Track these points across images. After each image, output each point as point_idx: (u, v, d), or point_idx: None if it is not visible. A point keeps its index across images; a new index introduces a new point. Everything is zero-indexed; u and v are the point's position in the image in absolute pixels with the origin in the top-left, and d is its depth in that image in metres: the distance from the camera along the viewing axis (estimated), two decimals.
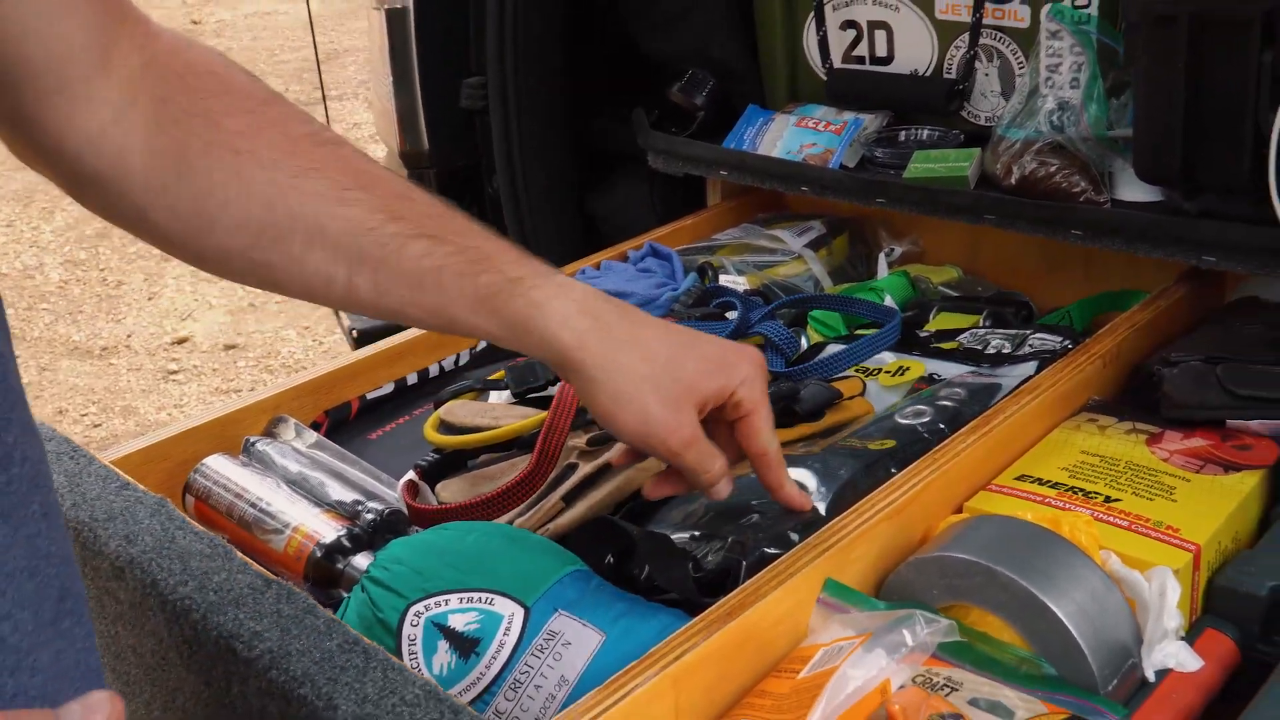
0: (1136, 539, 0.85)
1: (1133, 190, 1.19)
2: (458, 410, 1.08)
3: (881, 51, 1.43)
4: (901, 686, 0.70)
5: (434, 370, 1.28)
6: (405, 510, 1.00)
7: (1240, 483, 0.91)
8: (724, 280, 1.38)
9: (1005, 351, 1.15)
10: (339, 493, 1.02)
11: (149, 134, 0.68)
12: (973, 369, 1.12)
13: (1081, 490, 0.91)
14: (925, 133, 1.40)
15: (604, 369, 0.76)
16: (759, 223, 1.57)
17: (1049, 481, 0.93)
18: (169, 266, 3.99)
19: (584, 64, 1.67)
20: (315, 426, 1.17)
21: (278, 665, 0.71)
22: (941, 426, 0.98)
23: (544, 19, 1.58)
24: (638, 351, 0.77)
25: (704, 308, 1.27)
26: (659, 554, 0.86)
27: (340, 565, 0.94)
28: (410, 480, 1.03)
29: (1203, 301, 1.23)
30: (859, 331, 1.26)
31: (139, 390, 3.33)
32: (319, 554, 0.95)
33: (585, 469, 0.96)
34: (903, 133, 1.42)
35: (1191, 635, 0.80)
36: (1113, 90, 1.19)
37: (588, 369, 0.76)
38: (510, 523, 0.95)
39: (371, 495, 1.03)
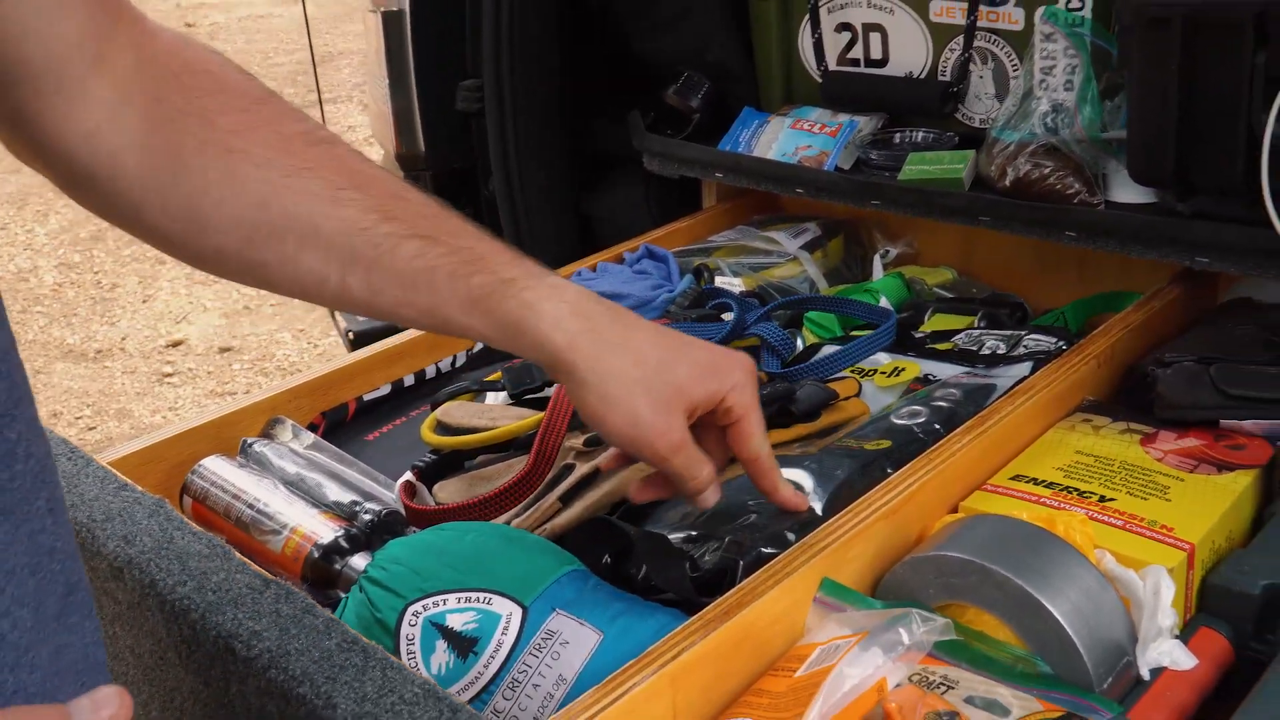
0: (1131, 538, 0.85)
1: (1126, 192, 1.20)
2: (455, 411, 1.08)
3: (876, 54, 1.44)
4: (898, 685, 0.70)
5: (431, 372, 1.28)
6: (402, 511, 1.00)
7: (1233, 482, 0.92)
8: (720, 282, 1.39)
9: (1000, 352, 1.15)
10: (336, 494, 1.02)
11: (143, 132, 0.68)
12: (968, 370, 1.12)
13: (1076, 490, 0.91)
14: (920, 135, 1.41)
15: (595, 371, 0.76)
16: (754, 225, 1.58)
17: (1044, 481, 0.93)
18: (163, 269, 3.99)
19: (580, 66, 1.67)
20: (312, 428, 1.17)
21: (277, 664, 0.71)
22: (937, 427, 0.99)
23: (540, 22, 1.59)
24: (629, 354, 0.77)
25: (700, 309, 1.27)
26: (656, 554, 0.86)
27: (338, 566, 0.94)
28: (407, 481, 1.03)
29: (1196, 302, 1.24)
30: (854, 333, 1.26)
31: (133, 393, 3.32)
32: (316, 555, 0.95)
33: (582, 469, 0.96)
34: (898, 135, 1.42)
35: (1186, 634, 0.80)
36: (1106, 92, 1.20)
37: (579, 371, 0.76)
38: (507, 523, 0.96)
39: (369, 496, 1.03)
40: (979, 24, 1.32)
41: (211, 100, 0.71)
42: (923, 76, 1.41)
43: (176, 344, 3.59)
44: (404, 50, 1.67)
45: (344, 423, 1.20)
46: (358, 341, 1.53)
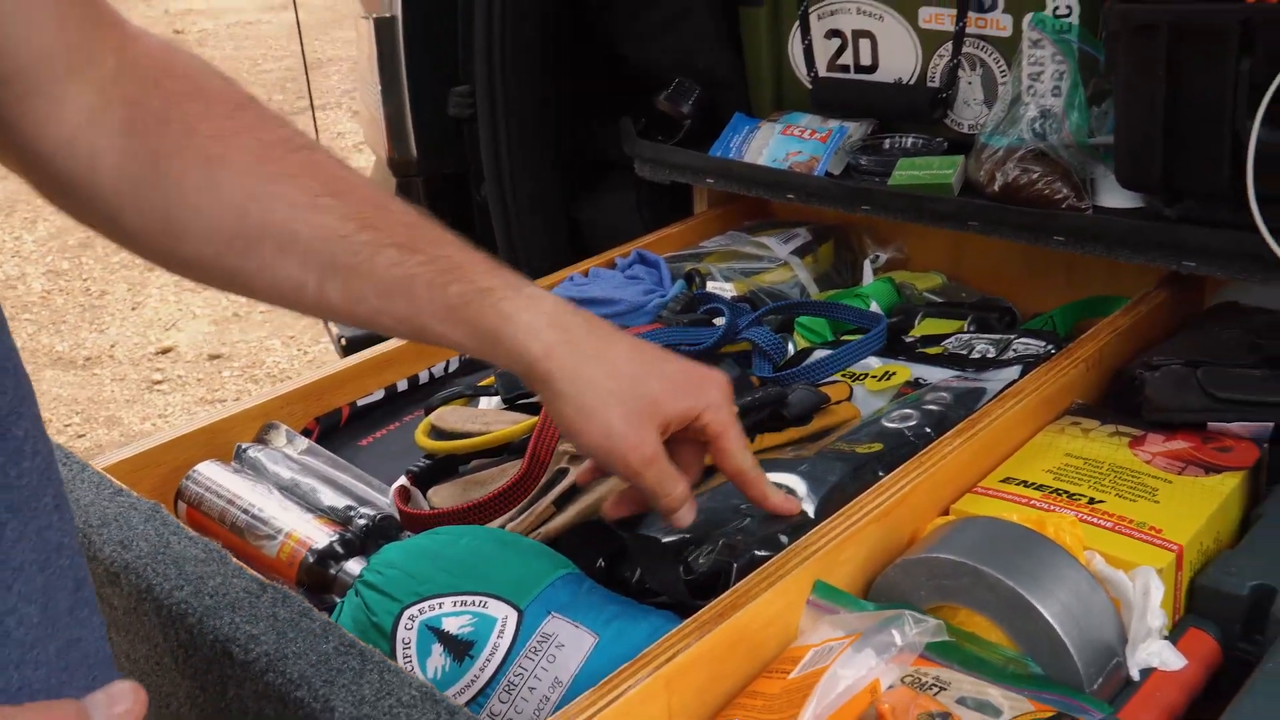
0: (1120, 539, 0.86)
1: (1114, 197, 1.21)
2: (449, 416, 1.08)
3: (866, 60, 1.45)
4: (891, 686, 0.71)
5: (424, 377, 1.29)
6: (397, 515, 1.01)
7: (1221, 484, 0.92)
8: (711, 287, 1.39)
9: (990, 356, 1.16)
10: (331, 498, 1.02)
11: (122, 138, 0.68)
12: (958, 373, 1.13)
13: (1066, 492, 0.92)
14: (909, 140, 1.42)
15: (571, 382, 0.75)
16: (745, 230, 1.58)
17: (1034, 484, 0.94)
18: (153, 276, 3.98)
19: (571, 73, 1.68)
20: (306, 433, 1.17)
21: (274, 668, 0.72)
22: (928, 430, 1.00)
23: (532, 28, 1.59)
24: (604, 366, 0.77)
25: (692, 314, 1.28)
26: (649, 558, 0.87)
27: (333, 570, 0.95)
28: (402, 485, 1.04)
29: (1183, 306, 1.25)
30: (845, 337, 1.27)
31: (123, 400, 3.32)
32: (311, 559, 0.95)
33: (576, 473, 0.96)
34: (887, 140, 1.43)
35: (1175, 634, 0.81)
36: (1094, 98, 1.21)
37: (554, 381, 0.75)
38: (502, 527, 0.96)
39: (363, 501, 1.03)
40: (967, 30, 1.33)
41: (191, 106, 0.70)
42: (912, 82, 1.42)
43: (166, 351, 3.58)
44: (396, 56, 1.67)
45: (338, 428, 1.20)
46: (350, 347, 1.53)
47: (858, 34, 1.44)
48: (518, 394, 1.11)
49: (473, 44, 1.60)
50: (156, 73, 0.70)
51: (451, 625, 0.80)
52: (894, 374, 1.15)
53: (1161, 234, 1.15)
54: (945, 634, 0.74)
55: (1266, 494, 0.95)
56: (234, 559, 0.84)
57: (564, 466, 0.98)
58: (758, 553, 0.83)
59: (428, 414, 1.11)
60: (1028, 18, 1.24)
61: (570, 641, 0.78)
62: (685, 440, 0.82)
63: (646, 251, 1.48)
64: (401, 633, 0.80)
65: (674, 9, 1.56)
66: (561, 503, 0.96)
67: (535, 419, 1.00)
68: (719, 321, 1.23)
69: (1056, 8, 1.23)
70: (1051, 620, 0.75)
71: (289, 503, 1.01)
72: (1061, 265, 1.36)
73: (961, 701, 0.69)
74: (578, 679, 0.76)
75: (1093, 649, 0.75)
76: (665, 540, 0.88)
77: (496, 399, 1.14)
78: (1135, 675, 0.77)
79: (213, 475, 1.04)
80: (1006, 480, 0.95)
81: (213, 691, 0.78)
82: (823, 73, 1.48)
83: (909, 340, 1.24)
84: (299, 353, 3.51)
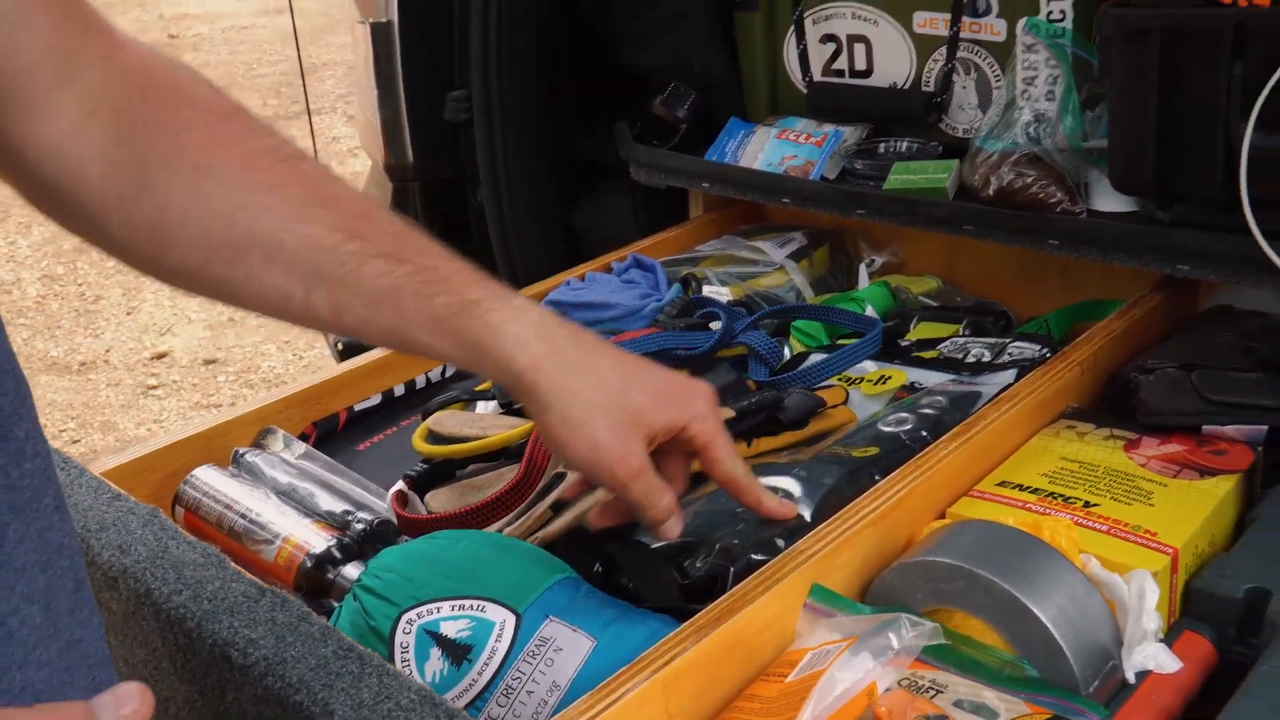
0: (1115, 543, 0.86)
1: (1108, 200, 1.21)
2: (446, 421, 1.08)
3: (861, 65, 1.45)
4: (888, 689, 0.71)
5: (421, 381, 1.29)
6: (394, 520, 1.01)
7: (1216, 487, 0.93)
8: (707, 291, 1.40)
9: (985, 360, 1.16)
10: (328, 503, 1.03)
11: (108, 147, 0.67)
12: (953, 377, 1.13)
13: (1061, 495, 0.92)
14: (904, 145, 1.42)
15: (557, 394, 0.76)
16: (741, 234, 1.59)
17: (1029, 487, 0.94)
18: (147, 281, 3.92)
19: (567, 77, 1.68)
20: (303, 438, 1.17)
21: (273, 672, 0.72)
22: (924, 434, 1.00)
23: (528, 33, 1.59)
24: (590, 378, 0.77)
25: (688, 318, 1.28)
26: (640, 564, 0.87)
27: (331, 575, 0.95)
28: (399, 490, 1.04)
29: (1177, 310, 1.25)
30: (841, 341, 1.27)
31: (118, 405, 3.31)
32: (309, 564, 0.95)
33: (573, 478, 0.97)
34: (882, 145, 1.43)
35: (1170, 637, 0.81)
36: (1088, 102, 1.21)
37: (540, 393, 0.75)
38: (499, 531, 0.96)
39: (361, 505, 1.03)
40: (962, 35, 1.34)
41: (179, 115, 0.70)
42: (907, 87, 1.42)
43: (161, 356, 3.58)
44: (392, 61, 1.67)
45: (335, 433, 1.21)
46: (346, 352, 1.53)
47: (852, 39, 1.44)
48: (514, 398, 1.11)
49: (469, 49, 1.60)
50: (144, 81, 0.70)
51: (450, 629, 0.80)
52: (890, 378, 1.16)
53: (1155, 238, 1.15)
54: (942, 637, 0.75)
55: (1261, 497, 0.96)
56: (232, 563, 0.84)
57: (561, 471, 0.98)
58: (754, 557, 0.83)
59: (425, 419, 1.11)
60: (1022, 22, 1.24)
61: (568, 645, 0.79)
62: (671, 451, 0.82)
63: (643, 256, 1.48)
64: (400, 637, 0.80)
65: (669, 13, 1.57)
66: (559, 507, 0.96)
67: (532, 423, 1.00)
68: (715, 325, 1.23)
69: (1050, 12, 1.24)
70: (1047, 623, 0.75)
71: (286, 507, 1.01)
72: (1056, 269, 1.37)
73: (958, 704, 0.70)
74: (576, 682, 0.77)
75: (1088, 652, 0.76)
76: (654, 546, 0.88)
77: (493, 403, 1.14)
78: (1131, 678, 0.77)
79: (210, 480, 1.04)
80: (1002, 484, 0.95)
81: (211, 695, 0.78)
82: (818, 77, 1.48)
83: (904, 344, 1.25)
84: (294, 358, 3.51)
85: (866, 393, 1.14)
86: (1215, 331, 1.13)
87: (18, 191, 0.70)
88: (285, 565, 0.96)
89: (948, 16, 1.34)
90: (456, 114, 1.67)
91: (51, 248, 4.28)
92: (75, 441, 3.14)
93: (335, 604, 0.89)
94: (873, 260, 1.52)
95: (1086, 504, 0.91)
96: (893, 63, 1.42)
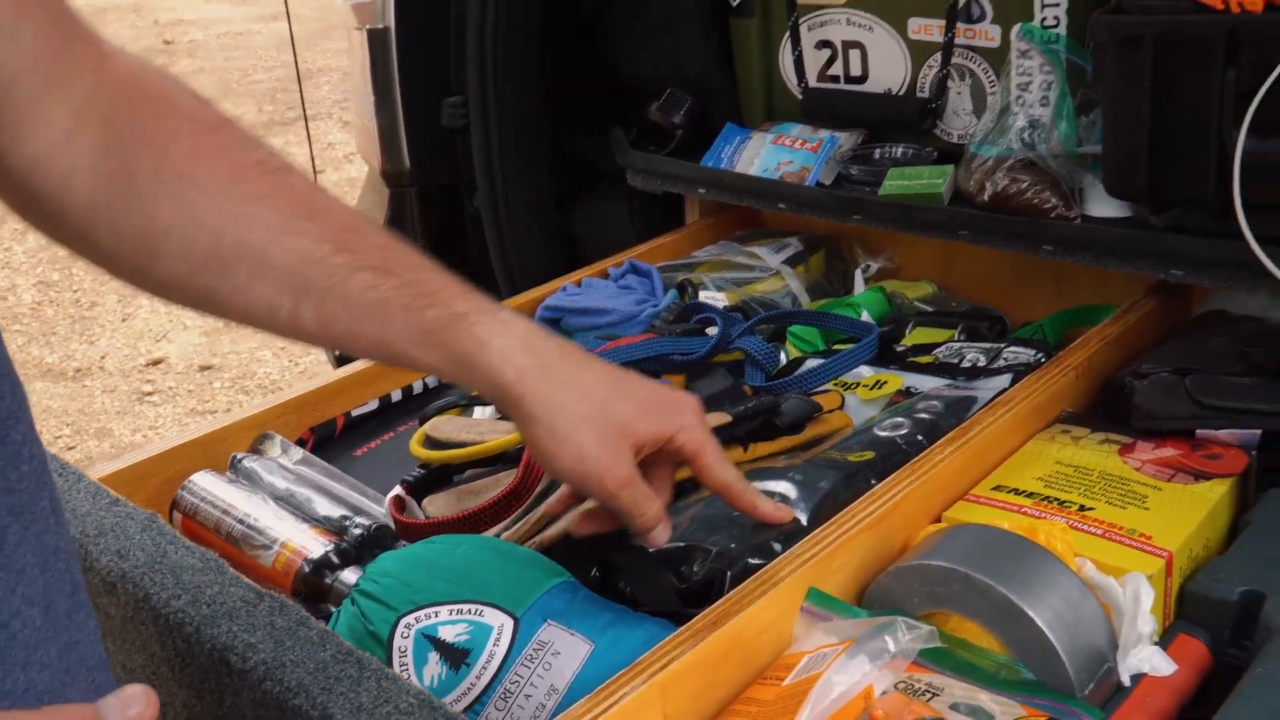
0: (1110, 546, 0.86)
1: (1102, 206, 1.22)
2: (443, 426, 1.09)
3: (856, 71, 1.46)
4: (884, 692, 0.71)
5: (418, 387, 1.29)
6: (392, 525, 1.01)
7: (1210, 491, 0.93)
8: (703, 296, 1.40)
9: (980, 365, 1.17)
10: (326, 508, 1.03)
11: (96, 157, 0.67)
12: (949, 382, 1.14)
13: (1056, 499, 0.93)
14: (900, 150, 1.43)
15: (543, 407, 0.76)
16: (737, 240, 1.59)
17: (1025, 491, 0.94)
18: None
19: (564, 83, 1.69)
20: (301, 443, 1.17)
21: (272, 676, 0.72)
22: (919, 438, 1.00)
23: (524, 38, 1.60)
24: (576, 391, 0.77)
25: (684, 324, 1.28)
26: (637, 571, 0.87)
27: (328, 580, 0.95)
28: (397, 495, 1.04)
29: (1171, 315, 1.26)
30: (837, 346, 1.28)
31: (113, 412, 3.31)
32: (307, 569, 0.95)
33: (560, 492, 0.97)
34: (877, 150, 1.44)
35: (1165, 640, 0.81)
36: (1082, 108, 1.22)
37: (527, 405, 0.76)
38: (497, 536, 0.96)
39: (358, 510, 1.04)
40: (956, 41, 1.34)
41: (166, 126, 0.70)
42: (902, 93, 1.43)
43: (156, 362, 3.58)
44: (389, 67, 1.68)
45: (332, 438, 1.21)
46: (343, 358, 1.53)
47: (848, 45, 1.45)
48: None
49: (465, 55, 1.61)
50: (132, 91, 0.70)
51: (448, 633, 0.80)
52: (885, 383, 1.16)
53: (1149, 243, 1.16)
54: (938, 640, 0.75)
55: (1255, 500, 0.96)
56: (231, 568, 0.84)
57: None
58: (751, 561, 0.84)
59: (422, 424, 1.11)
60: (1016, 28, 1.25)
61: (566, 649, 0.79)
62: (657, 462, 0.83)
63: (639, 261, 1.49)
64: (398, 641, 0.81)
65: (665, 20, 1.57)
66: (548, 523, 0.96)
67: None
68: (711, 331, 1.23)
69: (1044, 19, 1.24)
70: (1043, 626, 0.75)
71: (284, 513, 1.01)
72: (1051, 274, 1.37)
73: (954, 707, 0.70)
74: (573, 686, 0.77)
75: (1084, 655, 0.76)
76: (651, 550, 0.88)
77: (490, 408, 1.14)
78: (1126, 681, 0.77)
79: (208, 485, 1.04)
80: (998, 488, 0.96)
81: (210, 700, 0.78)
82: (813, 83, 1.49)
83: (900, 349, 1.25)
84: (290, 364, 3.51)
85: (862, 398, 1.15)
86: (1209, 336, 1.14)
87: (4, 202, 0.69)
88: (283, 570, 0.96)
89: (942, 23, 1.34)
90: (453, 120, 1.67)
91: (47, 254, 4.28)
92: (70, 448, 3.14)
93: (333, 609, 0.89)
94: (868, 266, 1.53)
95: (1081, 508, 0.91)
96: (888, 69, 1.43)
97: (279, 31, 6.84)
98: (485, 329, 0.75)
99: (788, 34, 1.48)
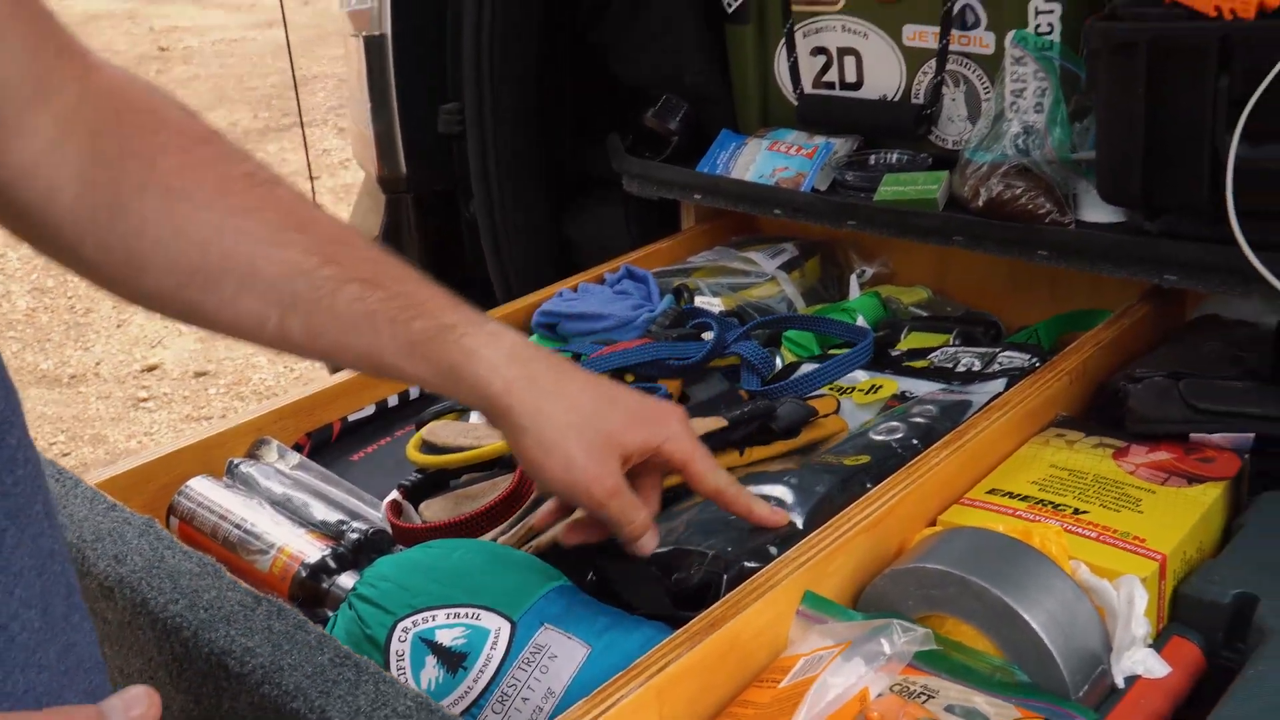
0: (1104, 549, 0.87)
1: (1096, 211, 1.22)
2: (439, 431, 1.09)
3: (851, 77, 1.46)
4: (880, 694, 0.72)
5: (415, 392, 1.29)
6: (389, 529, 1.01)
7: (1203, 494, 0.94)
8: (699, 302, 1.41)
9: (975, 369, 1.17)
10: (323, 513, 1.03)
11: (82, 170, 0.67)
12: (944, 386, 1.14)
13: (1051, 503, 0.93)
14: (894, 156, 1.43)
15: (531, 417, 0.76)
16: (733, 245, 1.60)
17: (1019, 495, 0.95)
18: None
19: (560, 90, 1.69)
20: (297, 449, 1.18)
21: (270, 680, 0.72)
22: (915, 442, 1.01)
23: (520, 45, 1.60)
24: (564, 402, 0.78)
25: (680, 329, 1.29)
26: (632, 575, 0.87)
27: (325, 584, 0.95)
28: (394, 500, 1.04)
29: (1165, 320, 1.26)
30: (832, 351, 1.28)
31: (108, 418, 3.31)
32: (304, 574, 0.96)
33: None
34: (872, 156, 1.45)
35: (1159, 642, 0.82)
36: (1076, 114, 1.22)
37: (515, 416, 0.76)
38: (493, 540, 0.97)
39: (355, 515, 1.04)
40: (951, 48, 1.35)
41: (154, 139, 0.70)
42: (896, 99, 1.43)
43: (151, 369, 3.57)
44: (386, 74, 1.68)
45: (329, 443, 1.21)
46: None
47: (843, 51, 1.45)
48: None
49: (462, 61, 1.61)
50: (118, 103, 0.70)
51: (445, 637, 0.81)
52: (881, 387, 1.16)
53: (1143, 248, 1.16)
54: (933, 643, 0.75)
55: (1248, 504, 0.96)
56: (228, 573, 0.85)
57: None
58: (747, 564, 0.84)
59: (419, 429, 1.11)
60: (1010, 35, 1.25)
61: (563, 652, 0.79)
62: (644, 472, 0.84)
63: (635, 267, 1.49)
64: (395, 645, 0.81)
65: (661, 26, 1.58)
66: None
67: None
68: (707, 336, 1.24)
69: (1038, 25, 1.25)
70: (1037, 629, 0.76)
71: (281, 517, 1.01)
72: (1045, 279, 1.37)
73: (949, 709, 0.70)
74: (570, 689, 0.77)
75: (1078, 657, 0.76)
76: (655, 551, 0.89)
77: None
78: (1120, 683, 0.77)
79: (205, 491, 1.04)
80: (992, 491, 0.96)
81: (208, 704, 0.78)
82: (808, 89, 1.50)
83: (895, 354, 1.25)
84: (285, 370, 3.51)
85: (858, 402, 1.15)
86: (1202, 341, 1.14)
87: None
88: (280, 575, 0.96)
89: (937, 30, 1.35)
90: (449, 126, 1.68)
91: (41, 260, 4.25)
92: (65, 454, 3.14)
93: (330, 613, 0.89)
94: (863, 271, 1.53)
95: (1076, 511, 0.92)
96: (883, 75, 1.43)
97: (273, 38, 6.84)
98: (473, 340, 0.75)
99: (783, 40, 1.49)
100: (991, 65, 1.32)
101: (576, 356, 1.24)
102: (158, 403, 3.39)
